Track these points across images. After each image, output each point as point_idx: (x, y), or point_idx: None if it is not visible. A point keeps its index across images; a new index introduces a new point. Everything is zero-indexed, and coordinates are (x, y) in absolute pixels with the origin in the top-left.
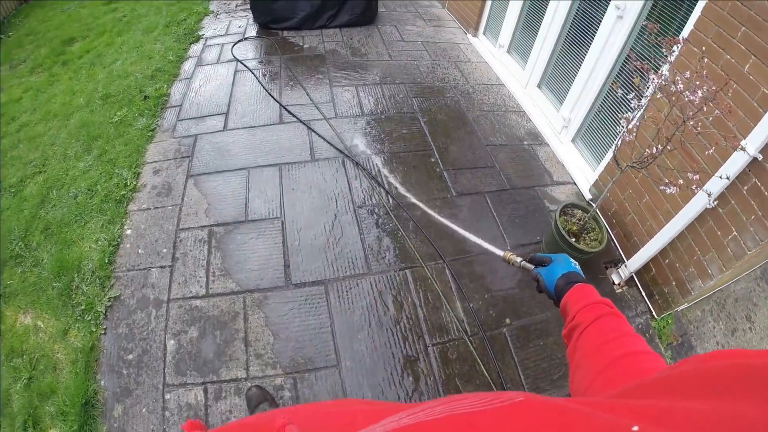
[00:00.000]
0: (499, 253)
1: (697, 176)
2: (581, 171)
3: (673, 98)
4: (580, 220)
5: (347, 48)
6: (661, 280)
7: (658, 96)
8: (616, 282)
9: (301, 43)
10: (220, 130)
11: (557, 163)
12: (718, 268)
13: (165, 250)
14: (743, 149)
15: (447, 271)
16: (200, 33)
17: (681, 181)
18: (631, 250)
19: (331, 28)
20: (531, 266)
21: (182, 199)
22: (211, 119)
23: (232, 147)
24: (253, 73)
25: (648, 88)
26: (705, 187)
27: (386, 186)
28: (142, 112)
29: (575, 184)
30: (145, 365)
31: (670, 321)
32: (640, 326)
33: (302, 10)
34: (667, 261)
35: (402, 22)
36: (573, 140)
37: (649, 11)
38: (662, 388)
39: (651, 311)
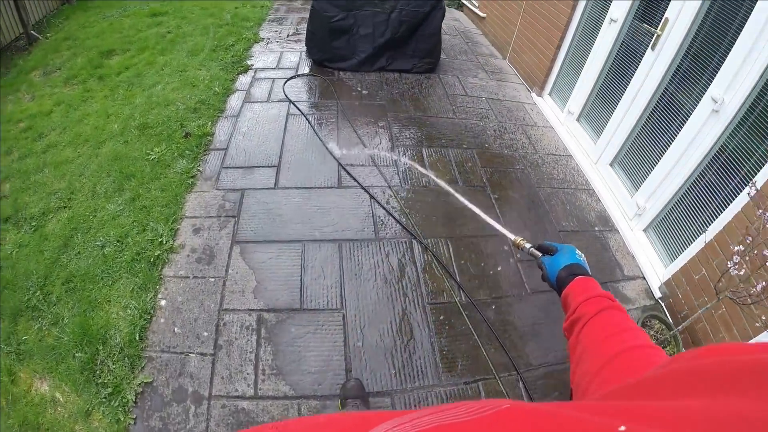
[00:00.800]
0: (511, 236)
1: None
2: (652, 265)
3: None
4: (657, 332)
5: (408, 99)
6: None
7: None
8: None
9: (359, 88)
10: (271, 188)
11: (627, 254)
12: None
13: (206, 334)
14: None
15: (521, 384)
16: (249, 63)
17: None
18: None
19: (390, 71)
20: (539, 254)
21: (226, 271)
22: (261, 172)
23: (285, 211)
24: (307, 119)
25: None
26: None
27: (458, 279)
28: (183, 152)
29: (645, 278)
30: None
31: None
32: None
33: (363, 52)
34: None
35: (464, 72)
36: (645, 230)
37: (749, 108)
38: (653, 388)
39: None
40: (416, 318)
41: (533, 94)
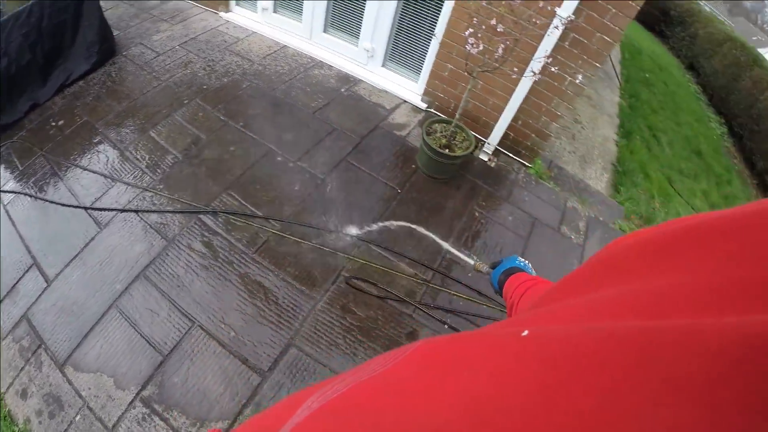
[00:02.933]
0: (470, 262)
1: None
2: (404, 87)
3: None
4: (443, 131)
5: (107, 97)
6: (522, 138)
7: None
8: (486, 159)
9: (53, 123)
10: (46, 287)
11: (380, 92)
12: (565, 108)
13: None
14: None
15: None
16: None
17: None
18: (485, 129)
19: (74, 83)
20: (490, 270)
21: (81, 396)
22: (25, 282)
23: (76, 294)
24: (27, 194)
25: None
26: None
27: (261, 213)
28: None
29: (406, 101)
30: None
31: (540, 162)
32: (521, 180)
33: (34, 83)
34: (520, 122)
35: (144, 35)
36: (384, 65)
37: None
38: (563, 290)
39: (523, 164)
40: (256, 273)
41: (222, 14)
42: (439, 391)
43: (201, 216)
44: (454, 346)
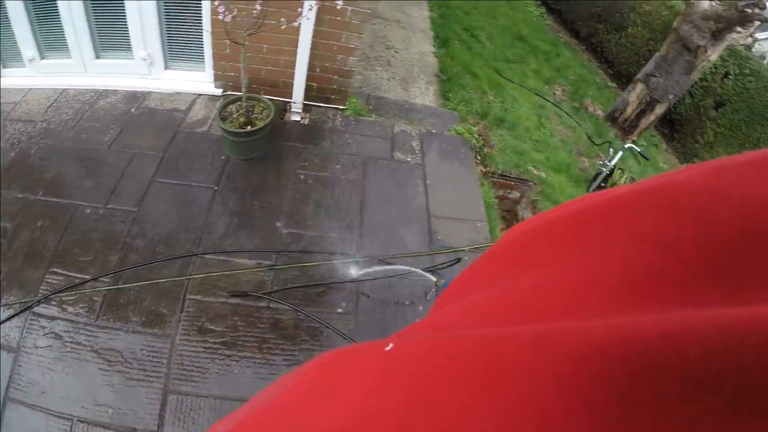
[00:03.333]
0: (433, 279)
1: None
2: (195, 81)
3: None
4: (238, 110)
5: None
6: (326, 84)
7: None
8: (299, 119)
9: None
10: None
11: (172, 95)
12: (355, 39)
13: None
14: None
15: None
16: None
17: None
18: (287, 90)
19: None
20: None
21: None
22: None
23: None
24: None
25: None
26: None
27: (94, 275)
28: None
29: (201, 94)
30: None
31: (355, 100)
32: (340, 125)
33: None
34: (318, 69)
35: None
36: (167, 67)
37: None
38: (461, 286)
39: (337, 108)
40: (106, 339)
41: None
42: (318, 415)
43: (33, 309)
44: (339, 361)
